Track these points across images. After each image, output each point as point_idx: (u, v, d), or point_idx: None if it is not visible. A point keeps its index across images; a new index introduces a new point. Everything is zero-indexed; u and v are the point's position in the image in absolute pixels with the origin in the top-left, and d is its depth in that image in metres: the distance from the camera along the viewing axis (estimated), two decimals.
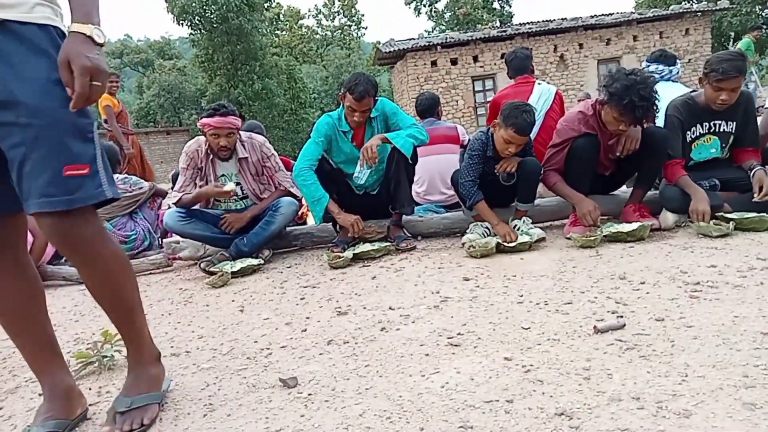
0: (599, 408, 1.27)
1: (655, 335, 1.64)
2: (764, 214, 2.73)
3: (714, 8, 19.96)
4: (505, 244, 2.92)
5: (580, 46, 19.69)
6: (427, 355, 1.70)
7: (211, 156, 3.43)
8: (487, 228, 3.21)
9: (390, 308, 2.21)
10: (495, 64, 19.37)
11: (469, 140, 3.55)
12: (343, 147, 3.38)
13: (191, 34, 28.08)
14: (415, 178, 3.80)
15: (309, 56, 44.33)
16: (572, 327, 1.78)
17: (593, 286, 2.19)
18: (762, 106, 4.30)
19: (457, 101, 19.61)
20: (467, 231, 3.24)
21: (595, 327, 1.73)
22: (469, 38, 19.66)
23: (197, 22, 27.01)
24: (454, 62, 19.63)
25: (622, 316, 1.82)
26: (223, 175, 3.48)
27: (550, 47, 19.70)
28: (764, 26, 22.94)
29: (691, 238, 2.76)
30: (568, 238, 3.00)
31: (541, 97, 4.16)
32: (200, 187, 3.42)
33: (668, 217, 2.99)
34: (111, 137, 6.79)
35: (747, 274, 2.09)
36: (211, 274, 3.18)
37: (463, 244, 3.06)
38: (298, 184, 3.29)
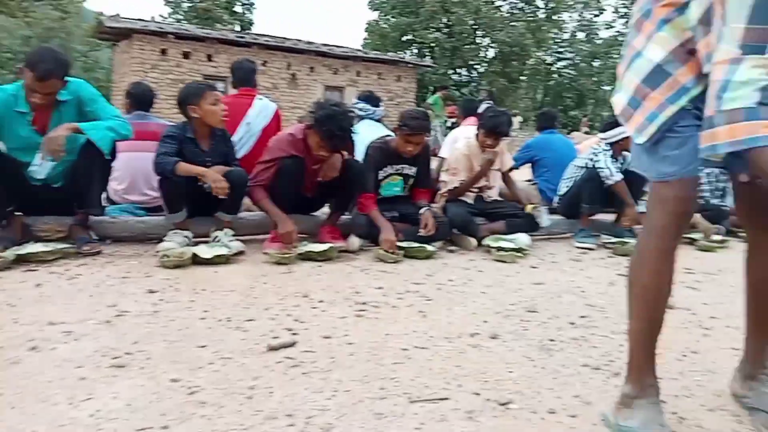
0: (253, 428, 1.31)
1: (320, 352, 1.79)
2: (425, 245, 3.28)
3: (419, 63, 23.44)
4: (203, 256, 2.85)
5: (311, 69, 20.84)
6: (82, 378, 1.52)
7: None
8: (186, 237, 3.09)
9: (50, 323, 1.93)
10: (228, 67, 19.04)
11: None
12: (18, 130, 2.84)
13: None
14: (116, 174, 3.45)
15: (8, 7, 36.66)
16: (248, 345, 1.83)
17: (278, 303, 2.29)
18: (436, 154, 5.18)
19: None
20: (165, 238, 3.07)
21: (269, 345, 1.81)
22: (206, 35, 18.98)
23: None
24: (186, 56, 18.64)
25: (296, 334, 1.94)
26: None
27: (284, 64, 20.35)
28: (452, 86, 27.93)
29: (369, 262, 3.13)
30: (266, 254, 3.09)
31: (261, 112, 4.23)
32: None
33: (354, 241, 3.34)
34: None
35: (403, 296, 2.47)
36: None
37: (158, 252, 2.89)
38: None
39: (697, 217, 4.20)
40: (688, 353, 1.95)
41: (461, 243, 3.68)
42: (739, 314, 1.59)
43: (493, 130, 3.74)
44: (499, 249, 3.39)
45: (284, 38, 20.99)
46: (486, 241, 3.56)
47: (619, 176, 3.84)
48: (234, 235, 3.21)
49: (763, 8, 1.03)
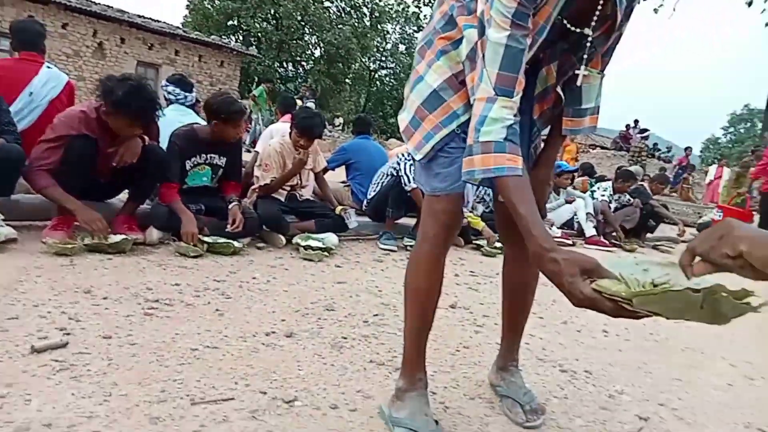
0: None
1: (96, 354, 1.64)
2: (232, 241, 3.19)
3: (245, 51, 22.72)
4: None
5: (122, 40, 18.91)
6: None
7: None
8: None
9: None
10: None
11: None
12: None
13: None
14: None
15: None
16: (6, 347, 1.60)
17: (52, 299, 2.04)
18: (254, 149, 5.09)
19: None
20: None
21: (32, 346, 1.60)
22: None
23: None
24: None
25: (69, 334, 1.75)
26: None
27: (90, 30, 18.13)
28: (278, 80, 27.64)
29: (168, 256, 2.95)
30: (44, 243, 2.73)
31: (48, 82, 3.71)
32: None
33: (153, 233, 3.11)
34: None
35: (201, 294, 2.37)
36: None
37: None
38: None
39: (483, 226, 4.74)
40: (461, 348, 2.20)
41: (270, 240, 3.66)
42: None
43: (306, 130, 3.79)
44: (308, 248, 3.45)
45: (91, 1, 18.73)
46: (295, 240, 3.59)
47: (415, 184, 4.17)
48: (4, 220, 2.77)
49: (511, 59, 1.21)
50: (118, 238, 2.85)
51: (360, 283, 3.00)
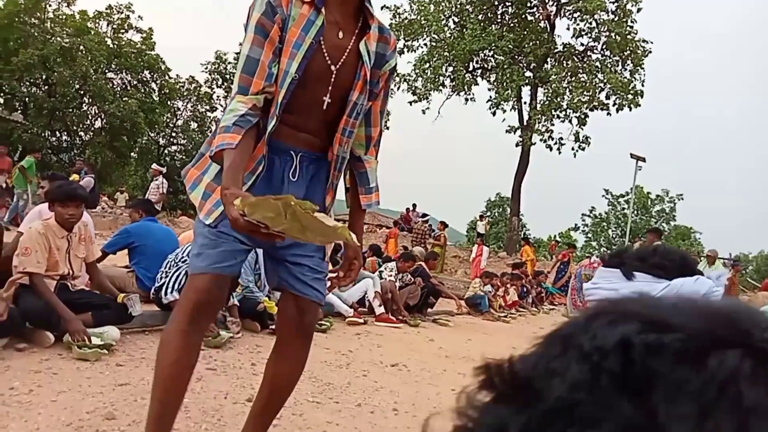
0: None
1: None
2: None
3: (7, 117, 20.01)
4: None
5: None
6: None
7: None
8: None
9: None
10: None
11: None
12: None
13: None
14: None
15: None
16: None
17: None
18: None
19: None
20: None
21: None
22: None
23: None
24: None
25: None
26: None
27: None
28: (48, 150, 24.71)
29: None
30: None
31: None
32: None
33: None
34: None
35: None
36: None
37: None
38: None
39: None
40: None
41: (35, 339, 3.16)
42: None
43: (68, 195, 3.43)
44: (82, 345, 3.07)
45: None
46: (66, 338, 3.16)
47: None
48: None
49: (249, 63, 1.52)
50: None
51: (146, 383, 2.75)
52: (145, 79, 28.91)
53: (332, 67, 1.60)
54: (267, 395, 1.75)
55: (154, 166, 12.55)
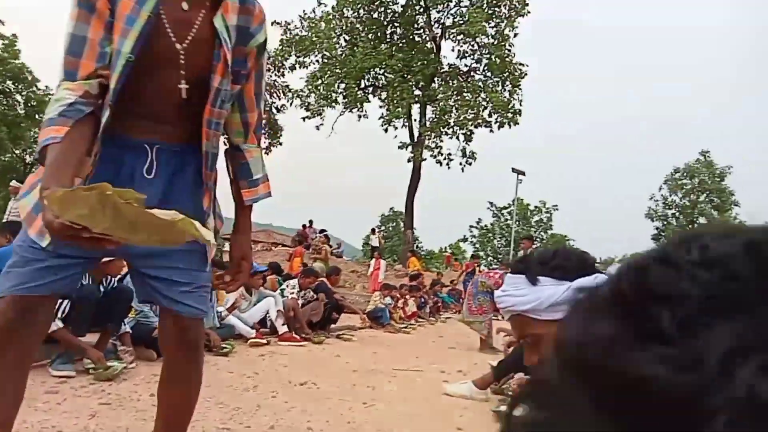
0: None
1: None
2: None
3: None
4: None
5: None
6: None
7: None
8: None
9: None
10: None
11: None
12: None
13: None
14: None
15: None
16: None
17: None
18: None
19: None
20: None
21: None
22: None
23: None
24: None
25: None
26: None
27: None
28: None
29: None
30: None
31: None
32: None
33: None
34: None
35: None
36: None
37: None
38: None
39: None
40: None
41: None
42: None
43: None
44: None
45: None
46: None
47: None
48: None
49: (75, 42, 1.31)
50: None
51: (29, 427, 2.47)
52: (8, 89, 26.20)
53: (177, 46, 1.36)
54: (164, 426, 1.59)
55: (13, 183, 10.69)
